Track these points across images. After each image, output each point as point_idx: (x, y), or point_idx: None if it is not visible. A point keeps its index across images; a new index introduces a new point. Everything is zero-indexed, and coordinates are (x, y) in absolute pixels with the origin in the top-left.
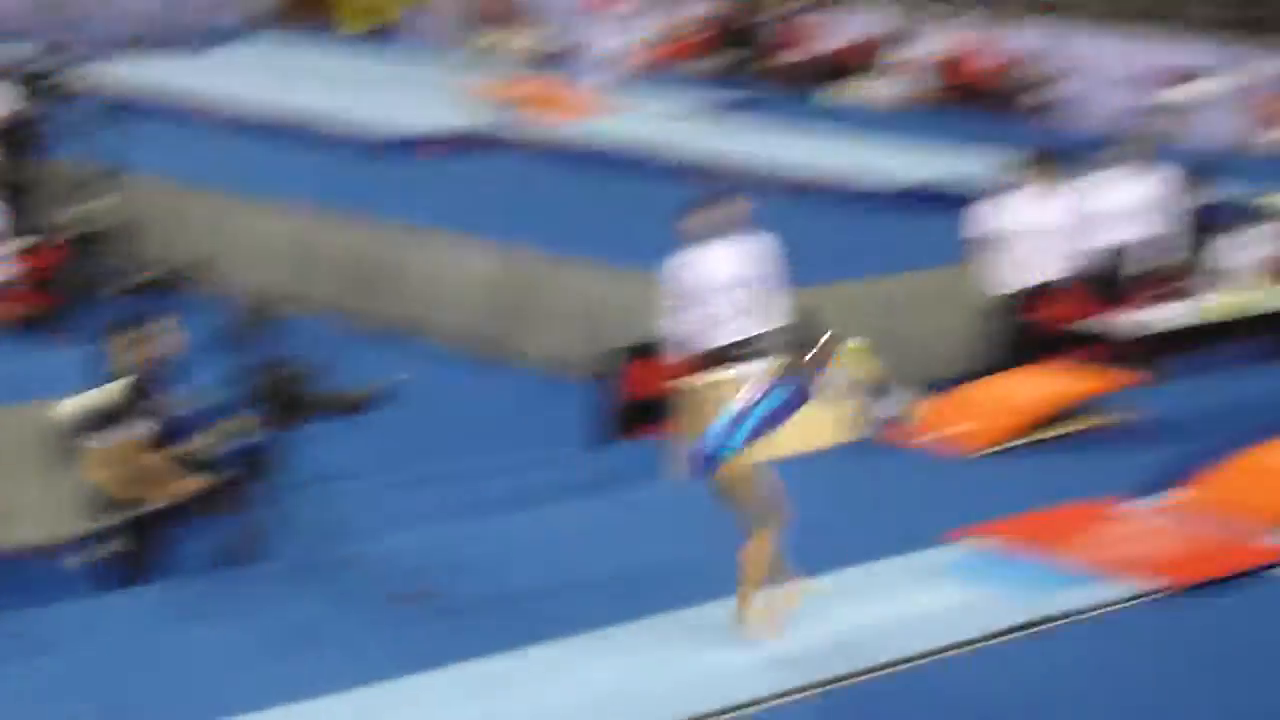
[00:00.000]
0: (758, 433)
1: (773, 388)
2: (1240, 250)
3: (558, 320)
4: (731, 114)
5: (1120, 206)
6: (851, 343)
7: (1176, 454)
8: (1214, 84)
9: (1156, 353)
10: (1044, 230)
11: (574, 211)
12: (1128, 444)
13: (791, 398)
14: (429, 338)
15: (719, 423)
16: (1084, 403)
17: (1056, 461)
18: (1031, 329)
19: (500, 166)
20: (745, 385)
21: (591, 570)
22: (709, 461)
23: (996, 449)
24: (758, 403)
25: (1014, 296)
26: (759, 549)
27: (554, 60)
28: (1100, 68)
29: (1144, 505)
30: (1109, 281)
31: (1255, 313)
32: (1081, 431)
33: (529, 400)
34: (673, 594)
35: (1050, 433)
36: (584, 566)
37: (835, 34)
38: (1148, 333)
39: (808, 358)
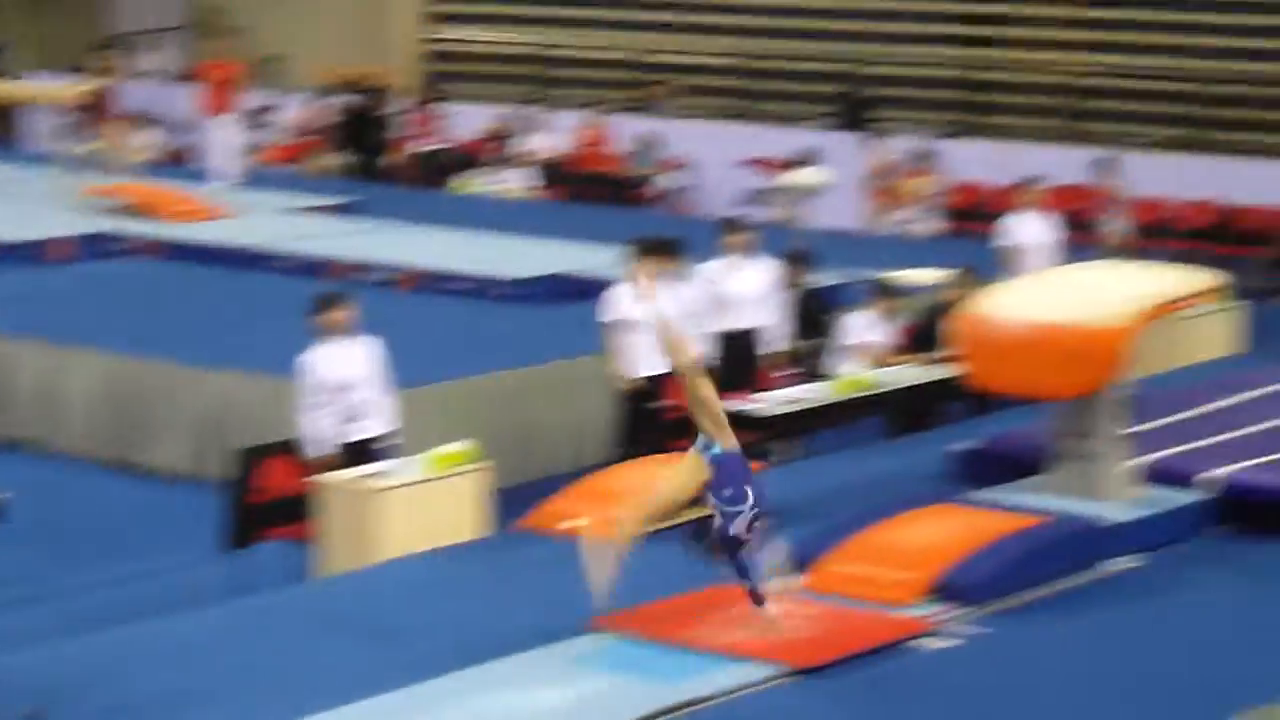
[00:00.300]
0: None
1: None
2: (862, 330)
3: (183, 425)
4: (355, 211)
5: (744, 291)
6: (459, 445)
7: (801, 536)
8: (827, 171)
9: (784, 434)
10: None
11: (194, 314)
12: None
13: None
14: (50, 450)
15: None
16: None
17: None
18: (660, 416)
19: (117, 271)
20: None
21: (218, 677)
22: None
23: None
24: None
25: (642, 384)
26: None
27: (172, 162)
28: (717, 155)
29: (773, 587)
30: (738, 365)
31: (878, 391)
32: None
33: (157, 508)
34: (300, 700)
35: (683, 519)
36: (209, 674)
37: (462, 126)
38: (774, 415)
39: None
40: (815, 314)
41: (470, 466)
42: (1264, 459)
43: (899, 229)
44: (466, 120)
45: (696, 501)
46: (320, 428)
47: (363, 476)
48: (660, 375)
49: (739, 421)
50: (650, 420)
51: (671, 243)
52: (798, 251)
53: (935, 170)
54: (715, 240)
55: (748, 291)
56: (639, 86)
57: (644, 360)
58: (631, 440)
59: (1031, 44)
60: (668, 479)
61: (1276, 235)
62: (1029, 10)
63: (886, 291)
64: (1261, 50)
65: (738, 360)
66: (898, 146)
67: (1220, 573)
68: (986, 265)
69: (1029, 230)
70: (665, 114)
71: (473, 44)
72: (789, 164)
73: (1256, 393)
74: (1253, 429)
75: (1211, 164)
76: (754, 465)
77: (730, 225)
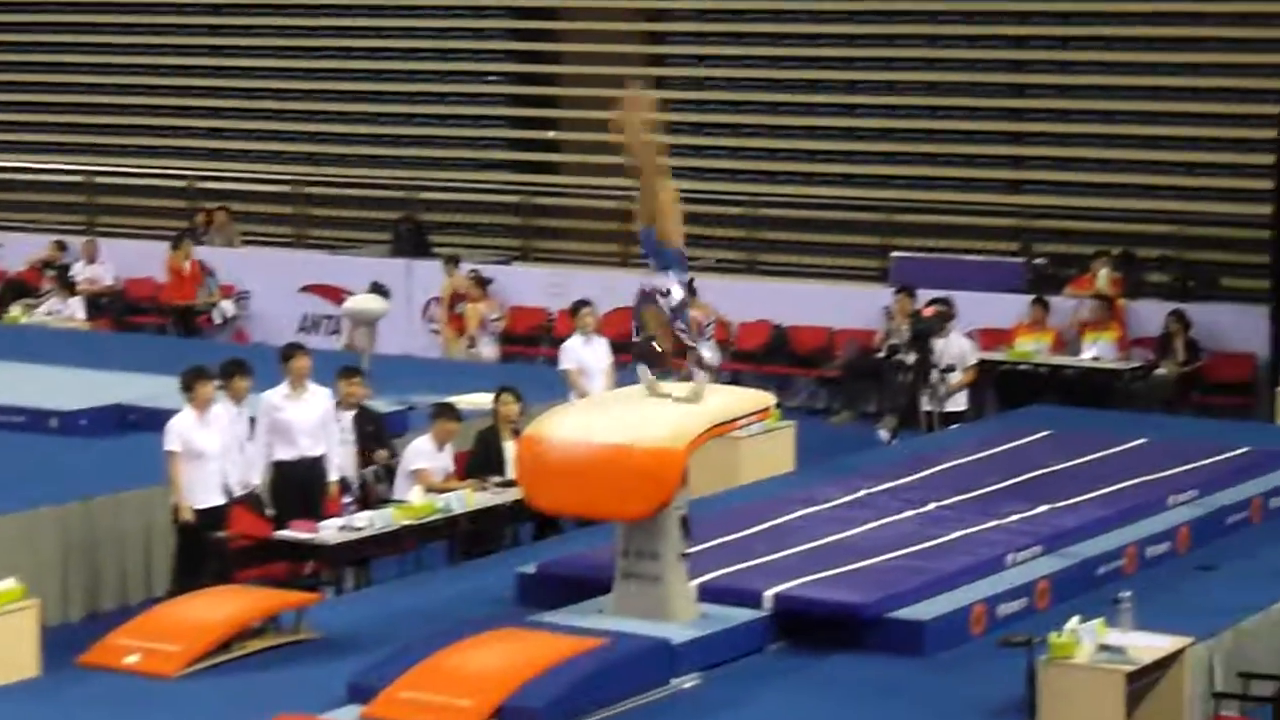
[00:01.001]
0: None
1: None
2: (423, 456)
3: None
4: None
5: (305, 419)
6: (3, 584)
7: (364, 665)
8: (383, 299)
9: (346, 562)
10: (224, 447)
11: None
12: (315, 659)
13: None
14: None
15: None
16: (270, 619)
17: (252, 679)
18: (219, 546)
19: None
20: None
21: None
22: None
23: (192, 669)
24: None
25: (202, 514)
26: None
27: None
28: (276, 283)
29: (339, 718)
30: (299, 493)
31: (441, 516)
32: (272, 648)
33: None
34: None
35: (243, 650)
36: None
37: (13, 256)
38: (335, 543)
39: None
40: (376, 440)
41: (15, 605)
42: (816, 575)
43: (462, 354)
44: (17, 250)
45: None
46: None
47: None
48: (221, 505)
49: (299, 551)
50: (212, 550)
51: (229, 368)
52: (350, 367)
53: (494, 295)
54: (278, 367)
55: (309, 419)
56: (194, 214)
57: (205, 490)
58: (192, 571)
59: (585, 169)
60: None
61: (824, 355)
62: (583, 136)
63: (445, 415)
64: (813, 174)
65: (299, 488)
66: (459, 272)
67: (780, 686)
68: (544, 388)
69: (590, 354)
70: (222, 241)
71: (20, 171)
72: (351, 291)
73: (808, 510)
74: (805, 546)
75: (763, 286)
76: (314, 596)
77: (290, 352)
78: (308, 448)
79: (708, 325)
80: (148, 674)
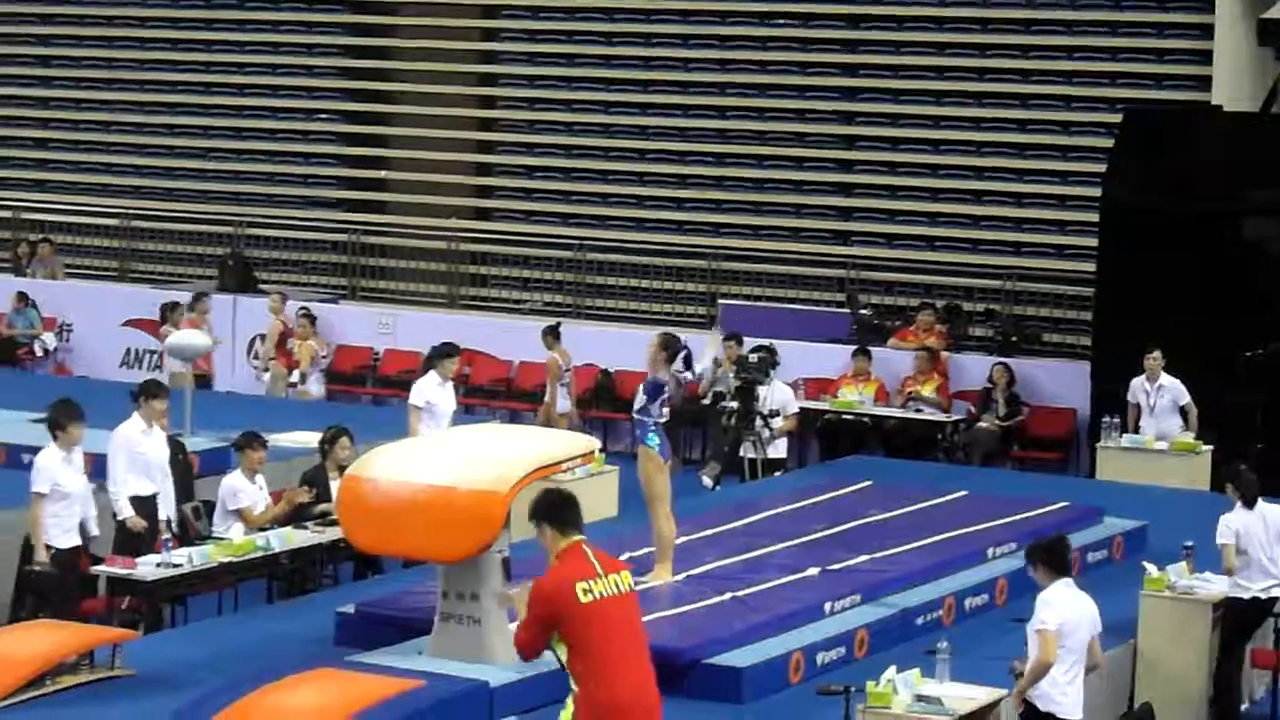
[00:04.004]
0: None
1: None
2: (242, 493)
3: None
4: None
5: (160, 456)
6: None
7: (180, 705)
8: (206, 338)
9: (164, 599)
10: (85, 487)
11: None
12: (130, 696)
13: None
14: None
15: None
16: (85, 655)
17: (65, 715)
18: (36, 579)
19: None
20: None
21: None
22: None
23: (4, 704)
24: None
25: (57, 555)
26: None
27: None
28: (98, 316)
29: None
30: (152, 529)
31: (261, 554)
32: (86, 683)
33: None
34: None
35: (56, 686)
36: None
37: None
38: (154, 580)
39: None
40: (192, 475)
41: None
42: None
43: (289, 391)
44: None
45: None
46: None
47: None
48: (77, 546)
49: (118, 586)
50: (67, 590)
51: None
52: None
53: (321, 333)
54: (130, 403)
55: (163, 456)
56: (18, 244)
57: (64, 531)
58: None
59: (414, 209)
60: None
61: None
62: (413, 176)
63: (251, 444)
64: (642, 220)
65: (151, 524)
66: (288, 309)
67: None
68: (369, 427)
69: (442, 396)
70: (45, 273)
71: None
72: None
73: (629, 555)
74: None
75: (591, 330)
76: (130, 632)
77: (154, 390)
78: (160, 483)
79: (566, 371)
80: None
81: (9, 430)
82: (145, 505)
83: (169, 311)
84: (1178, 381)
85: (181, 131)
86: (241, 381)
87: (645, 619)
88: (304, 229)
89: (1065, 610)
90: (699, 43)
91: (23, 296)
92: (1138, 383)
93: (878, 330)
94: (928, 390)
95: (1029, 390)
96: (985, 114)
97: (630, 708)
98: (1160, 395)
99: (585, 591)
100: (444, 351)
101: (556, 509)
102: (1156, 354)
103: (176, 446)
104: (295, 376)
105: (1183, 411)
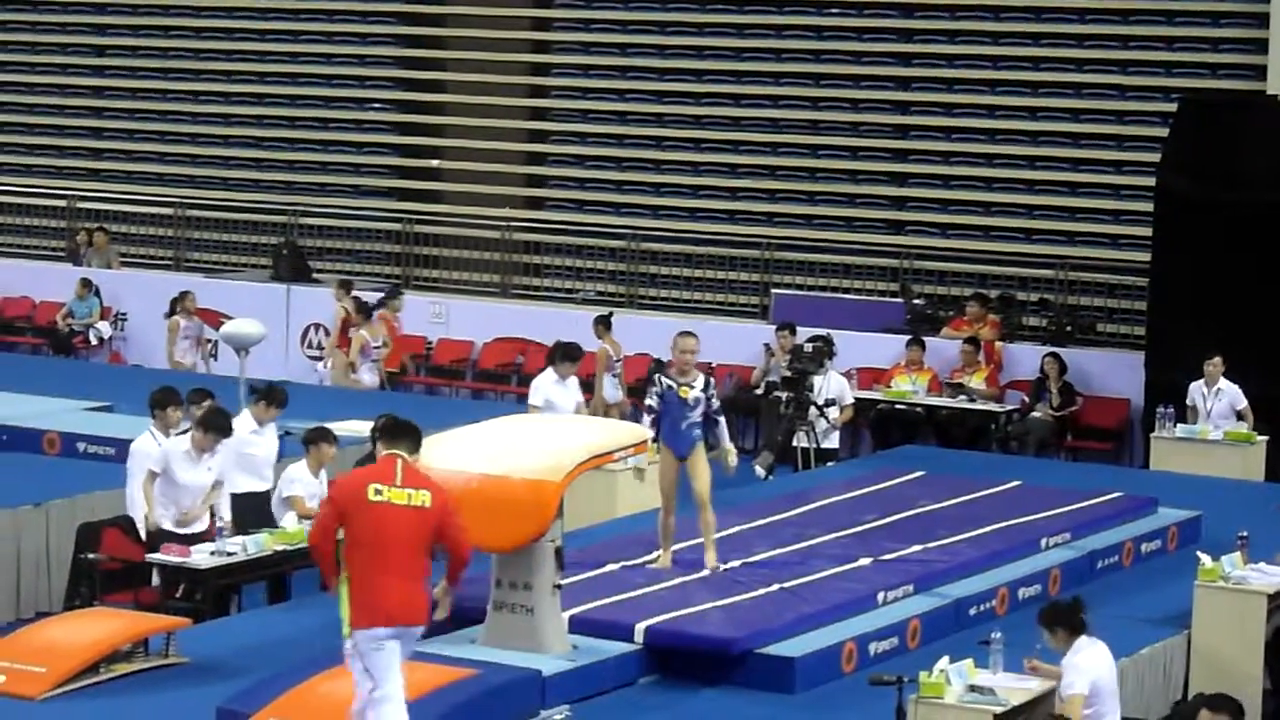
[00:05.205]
0: None
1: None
2: (299, 482)
3: None
4: None
5: (269, 454)
6: None
7: (231, 692)
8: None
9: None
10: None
11: None
12: (183, 684)
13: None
14: None
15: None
16: (139, 643)
17: (119, 703)
18: (91, 566)
19: None
20: None
21: None
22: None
23: (58, 691)
24: None
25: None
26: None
27: None
28: (154, 305)
29: None
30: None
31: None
32: (140, 671)
33: None
34: None
35: (110, 674)
36: None
37: None
38: (208, 567)
39: None
40: None
41: None
42: (688, 610)
43: (345, 380)
44: None
45: None
46: None
47: None
48: (98, 523)
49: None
50: (87, 570)
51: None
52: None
53: (378, 322)
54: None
55: (271, 454)
56: (73, 234)
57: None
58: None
59: (468, 199)
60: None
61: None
62: (467, 166)
63: (321, 440)
64: (696, 210)
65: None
66: (346, 298)
67: None
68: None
69: (561, 393)
70: (100, 262)
71: None
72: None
73: (681, 544)
74: (678, 580)
75: (644, 320)
76: (183, 620)
77: (272, 396)
78: (268, 479)
79: (616, 361)
80: (13, 696)
81: (65, 419)
82: (253, 501)
83: (178, 302)
84: (1235, 387)
85: (236, 121)
86: (295, 371)
87: (698, 608)
88: (358, 218)
89: (1093, 671)
90: (753, 32)
91: (86, 283)
92: (1195, 386)
93: (931, 320)
94: (976, 380)
95: (1082, 380)
96: (1040, 104)
97: (396, 616)
98: (1218, 399)
99: (376, 492)
100: (566, 354)
101: (386, 429)
102: (1217, 360)
103: None
104: (350, 365)
105: (1239, 416)
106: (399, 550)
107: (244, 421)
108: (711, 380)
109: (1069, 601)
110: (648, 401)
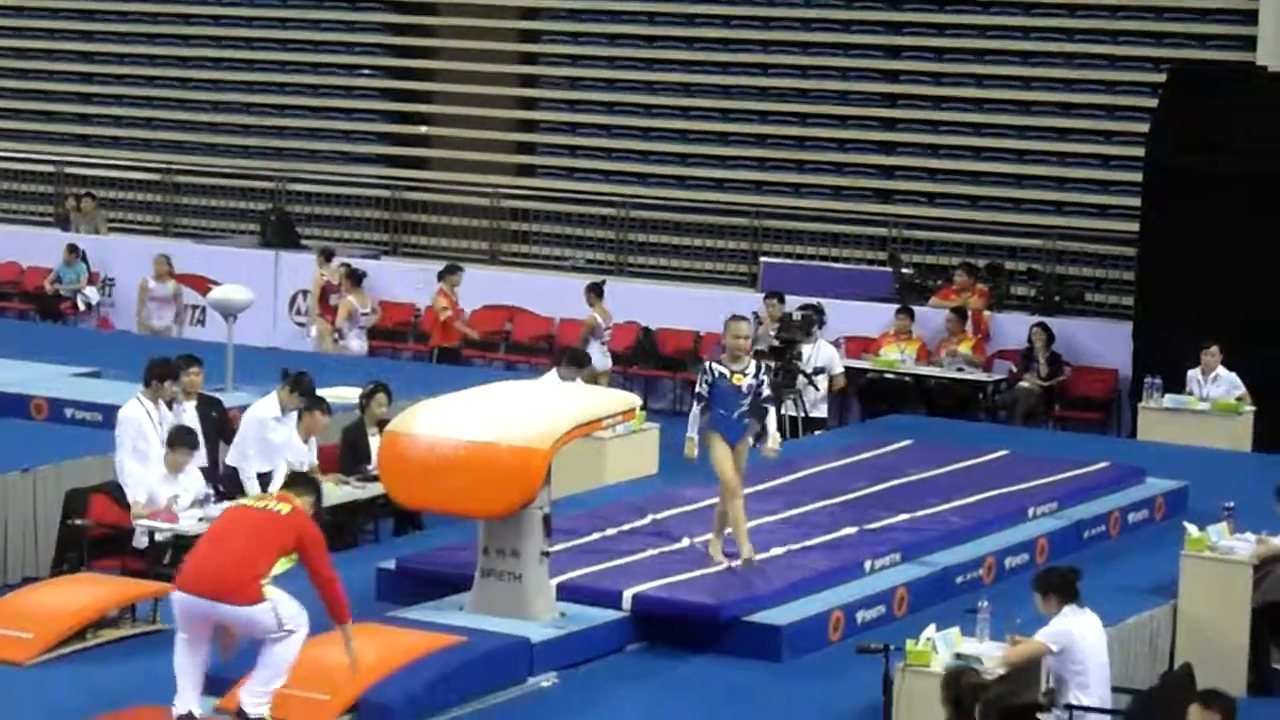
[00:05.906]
0: None
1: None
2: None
3: None
4: None
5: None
6: None
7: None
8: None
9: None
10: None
11: None
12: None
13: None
14: None
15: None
16: (127, 609)
17: (107, 669)
18: (78, 532)
19: None
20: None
21: None
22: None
23: (46, 657)
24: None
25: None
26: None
27: None
28: (144, 269)
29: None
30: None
31: None
32: (127, 638)
33: None
34: None
35: (98, 640)
36: None
37: None
38: (190, 535)
39: None
40: (221, 426)
41: None
42: (676, 577)
43: (332, 346)
44: None
45: None
46: None
47: None
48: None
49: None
50: (73, 535)
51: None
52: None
53: (365, 289)
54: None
55: (286, 440)
56: (60, 200)
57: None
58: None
59: (456, 165)
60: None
61: (691, 358)
62: (455, 132)
63: (314, 407)
64: (685, 178)
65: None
66: (331, 265)
67: (636, 687)
68: (410, 383)
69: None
70: (88, 228)
71: None
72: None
73: (670, 512)
74: (666, 548)
75: (632, 288)
76: (171, 586)
77: (298, 384)
78: (277, 465)
79: (606, 329)
80: (0, 662)
81: (53, 385)
82: (262, 484)
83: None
84: (1233, 375)
85: (224, 86)
86: (283, 337)
87: (686, 577)
88: (346, 185)
89: (1071, 636)
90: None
91: (73, 249)
92: (1193, 374)
93: (920, 289)
94: (964, 349)
95: (1070, 350)
96: (1029, 73)
97: (185, 574)
98: (1214, 386)
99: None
100: (573, 360)
101: (288, 480)
102: (1214, 349)
103: (212, 404)
104: (336, 332)
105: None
106: (231, 531)
107: (270, 405)
108: (765, 365)
109: (1065, 568)
110: (697, 390)
